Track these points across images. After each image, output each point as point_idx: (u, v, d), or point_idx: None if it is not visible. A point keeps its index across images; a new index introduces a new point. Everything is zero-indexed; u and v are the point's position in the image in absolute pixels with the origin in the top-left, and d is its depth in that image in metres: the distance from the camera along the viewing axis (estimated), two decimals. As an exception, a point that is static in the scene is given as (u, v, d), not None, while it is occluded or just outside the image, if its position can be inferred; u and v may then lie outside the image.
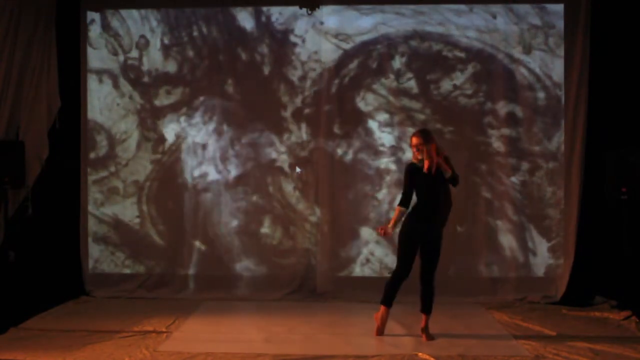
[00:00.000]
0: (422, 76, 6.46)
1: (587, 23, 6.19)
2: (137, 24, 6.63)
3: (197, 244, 6.58)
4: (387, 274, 5.94)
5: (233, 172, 6.58)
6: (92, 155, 6.64)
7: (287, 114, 6.55)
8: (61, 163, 6.43)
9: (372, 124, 6.50)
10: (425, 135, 4.76)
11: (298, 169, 6.55)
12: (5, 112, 5.98)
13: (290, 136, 6.55)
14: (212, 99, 6.58)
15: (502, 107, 6.41)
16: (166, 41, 6.60)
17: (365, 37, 6.48)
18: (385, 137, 6.49)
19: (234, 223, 6.56)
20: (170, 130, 6.61)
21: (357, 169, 6.51)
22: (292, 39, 6.53)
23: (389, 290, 4.87)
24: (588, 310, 5.83)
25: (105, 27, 6.63)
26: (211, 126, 6.59)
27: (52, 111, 6.38)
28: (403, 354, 4.48)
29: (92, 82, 6.64)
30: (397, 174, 6.41)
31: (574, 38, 6.25)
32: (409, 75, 6.48)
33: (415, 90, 6.47)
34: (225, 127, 6.58)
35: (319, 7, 6.45)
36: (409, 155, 5.96)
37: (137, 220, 6.63)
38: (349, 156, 6.52)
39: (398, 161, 6.43)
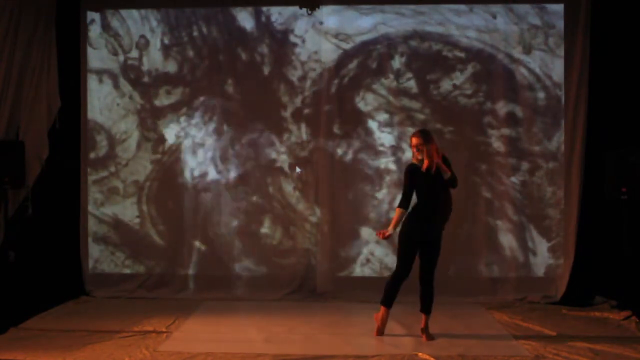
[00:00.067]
0: (422, 76, 6.46)
1: (587, 23, 6.19)
2: (137, 24, 6.63)
3: (197, 244, 6.58)
4: (387, 274, 5.93)
5: (233, 172, 6.58)
6: (92, 155, 6.65)
7: (287, 114, 6.55)
8: (61, 163, 6.44)
9: (372, 124, 6.50)
10: (425, 135, 4.76)
11: (298, 169, 6.55)
12: (5, 112, 5.98)
13: (290, 136, 6.55)
14: (212, 99, 6.58)
15: (502, 107, 6.41)
16: (166, 41, 6.60)
17: (365, 37, 6.48)
18: (385, 137, 6.49)
19: (234, 223, 6.56)
20: (170, 130, 6.61)
21: (357, 169, 6.51)
22: (292, 39, 6.53)
23: (389, 291, 4.87)
24: (588, 310, 5.83)
25: (105, 27, 6.64)
26: (211, 126, 6.60)
27: (52, 111, 6.38)
28: (403, 354, 4.48)
29: (92, 82, 6.64)
30: (397, 174, 6.41)
31: (574, 38, 6.25)
32: (409, 75, 6.48)
33: (415, 90, 6.47)
34: (225, 127, 6.58)
35: (319, 7, 6.45)
36: (408, 155, 5.97)
37: (137, 220, 6.63)
38: (349, 156, 6.52)
39: (398, 161, 6.43)
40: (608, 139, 6.00)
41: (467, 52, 6.43)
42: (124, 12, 6.63)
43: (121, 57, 6.63)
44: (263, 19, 6.54)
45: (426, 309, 4.83)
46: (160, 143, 6.62)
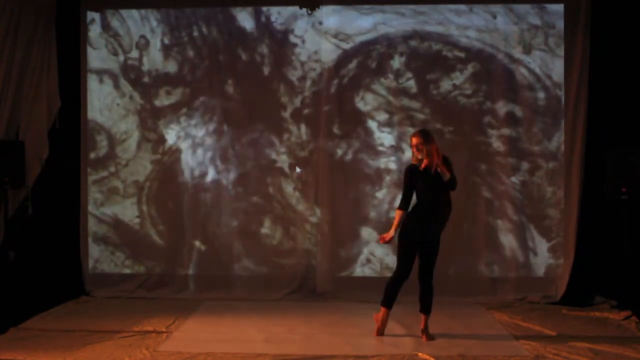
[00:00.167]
0: (421, 76, 6.46)
1: (587, 23, 6.19)
2: (137, 24, 6.63)
3: (197, 244, 6.58)
4: (388, 274, 5.93)
5: (233, 172, 6.58)
6: (92, 155, 6.65)
7: (287, 114, 6.55)
8: (61, 163, 6.43)
9: (372, 124, 6.50)
10: (425, 135, 4.75)
11: (298, 169, 6.55)
12: (5, 112, 5.98)
13: (290, 136, 6.55)
14: (212, 99, 6.58)
15: (502, 107, 6.41)
16: (166, 41, 6.60)
17: (364, 37, 6.47)
18: (384, 137, 6.49)
19: (234, 223, 6.56)
20: (170, 130, 6.61)
21: (357, 169, 6.51)
22: (292, 39, 6.53)
23: (389, 291, 4.86)
24: (588, 310, 5.83)
25: (105, 27, 6.64)
26: (211, 126, 6.59)
27: (52, 111, 6.38)
28: (403, 354, 4.48)
29: (92, 82, 6.64)
30: (397, 174, 6.41)
31: (574, 38, 6.25)
32: (409, 75, 6.48)
33: (415, 90, 6.47)
34: (225, 127, 6.58)
35: (318, 7, 6.45)
36: (408, 155, 5.96)
37: (137, 220, 6.63)
38: (349, 156, 6.52)
39: (398, 161, 6.44)
40: (608, 139, 6.00)
41: (467, 52, 6.43)
42: (124, 12, 6.63)
43: (121, 57, 6.63)
44: (263, 19, 6.54)
45: (426, 309, 4.83)
46: (160, 143, 6.62)
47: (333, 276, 6.45)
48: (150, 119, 6.62)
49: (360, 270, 6.50)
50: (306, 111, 6.53)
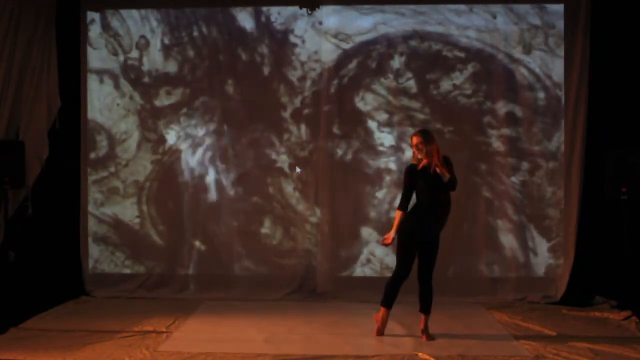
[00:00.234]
0: (421, 76, 6.46)
1: (587, 23, 6.19)
2: (137, 24, 6.63)
3: (197, 244, 6.58)
4: (388, 274, 5.93)
5: (233, 172, 6.58)
6: (92, 155, 6.65)
7: (287, 114, 6.55)
8: (61, 163, 6.44)
9: (372, 124, 6.50)
10: (425, 135, 4.75)
11: (298, 170, 6.55)
12: (5, 112, 5.98)
13: (290, 136, 6.55)
14: (212, 99, 6.58)
15: (502, 107, 6.41)
16: (166, 41, 6.60)
17: (364, 37, 6.47)
18: (384, 137, 6.49)
19: (234, 223, 6.55)
20: (170, 130, 6.61)
21: (357, 169, 6.51)
22: (292, 39, 6.53)
23: (389, 291, 4.86)
24: (588, 310, 5.83)
25: (105, 27, 6.64)
26: (211, 126, 6.60)
27: (52, 111, 6.38)
28: (403, 354, 4.48)
29: (92, 82, 6.64)
30: (397, 174, 6.41)
31: (574, 38, 6.25)
32: (409, 75, 6.48)
33: (415, 90, 6.47)
34: (225, 127, 6.58)
35: (319, 7, 6.45)
36: (409, 155, 5.96)
37: (137, 220, 6.63)
38: (349, 156, 6.52)
39: (398, 161, 6.43)
40: (608, 139, 6.00)
41: (467, 52, 6.43)
42: (124, 12, 6.63)
43: (121, 57, 6.63)
44: (263, 19, 6.54)
45: (425, 309, 4.83)
46: (160, 143, 6.61)
47: (333, 276, 6.45)
48: (150, 119, 6.62)
49: (360, 270, 6.50)
50: (306, 111, 6.53)
